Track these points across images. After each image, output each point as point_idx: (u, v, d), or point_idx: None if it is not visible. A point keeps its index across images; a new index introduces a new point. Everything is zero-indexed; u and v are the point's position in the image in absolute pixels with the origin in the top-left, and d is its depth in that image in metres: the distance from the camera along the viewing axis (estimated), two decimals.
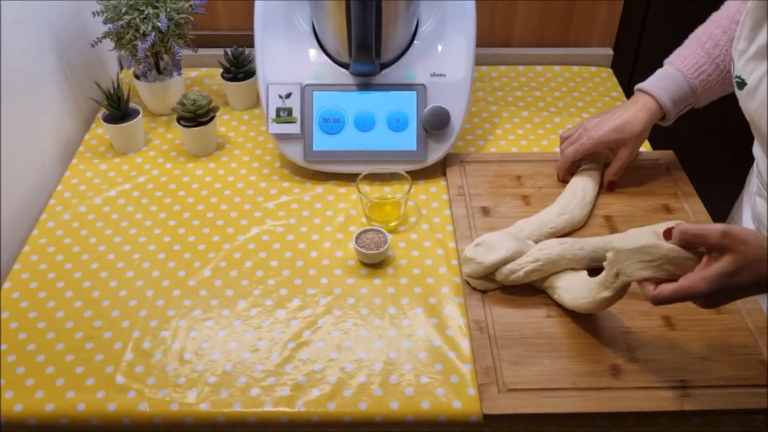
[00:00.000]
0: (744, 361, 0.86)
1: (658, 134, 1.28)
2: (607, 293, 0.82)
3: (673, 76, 1.03)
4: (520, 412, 0.82)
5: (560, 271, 0.94)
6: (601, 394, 0.83)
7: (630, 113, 1.04)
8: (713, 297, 0.71)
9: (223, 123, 1.29)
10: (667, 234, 0.74)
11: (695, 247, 0.72)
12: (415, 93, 1.13)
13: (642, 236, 0.76)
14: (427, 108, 1.12)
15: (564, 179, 1.12)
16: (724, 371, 0.85)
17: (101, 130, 1.26)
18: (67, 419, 0.83)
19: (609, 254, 0.79)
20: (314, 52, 1.15)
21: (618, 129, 1.04)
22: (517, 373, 0.85)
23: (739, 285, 0.69)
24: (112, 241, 1.05)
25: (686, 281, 0.71)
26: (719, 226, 0.69)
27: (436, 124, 1.12)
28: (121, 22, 1.16)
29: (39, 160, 1.15)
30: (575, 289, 0.90)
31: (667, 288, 0.72)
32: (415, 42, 1.15)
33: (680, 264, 0.73)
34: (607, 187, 1.10)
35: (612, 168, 1.08)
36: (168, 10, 1.18)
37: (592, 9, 1.41)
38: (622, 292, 0.81)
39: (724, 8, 1.03)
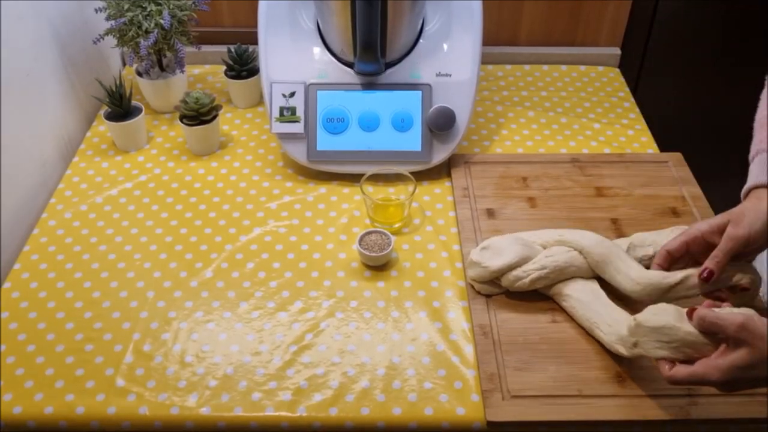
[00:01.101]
0: None
1: (665, 136, 1.27)
2: (623, 350, 0.82)
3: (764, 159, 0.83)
4: (524, 420, 0.81)
5: (568, 278, 0.93)
6: (607, 401, 0.82)
7: (740, 205, 0.83)
8: (726, 386, 0.71)
9: (226, 121, 1.28)
10: (690, 313, 0.75)
11: (713, 333, 0.72)
12: (420, 93, 1.12)
13: (666, 312, 0.76)
14: (432, 108, 1.10)
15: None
16: None
17: (103, 127, 1.24)
18: (66, 422, 0.82)
19: (631, 323, 0.79)
20: (318, 51, 1.14)
21: (727, 213, 0.82)
22: (522, 379, 0.84)
23: (754, 378, 0.69)
24: (113, 241, 1.04)
25: (701, 367, 0.72)
26: (738, 318, 0.69)
27: (441, 124, 1.10)
28: (123, 19, 1.14)
29: (40, 158, 1.14)
30: (593, 310, 0.88)
31: (681, 371, 0.74)
32: (421, 41, 1.14)
33: (697, 348, 0.74)
34: (702, 276, 0.81)
35: (716, 250, 0.81)
36: (171, 7, 1.16)
37: (600, 8, 1.39)
38: (638, 357, 0.81)
39: None
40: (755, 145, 0.86)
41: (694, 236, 0.84)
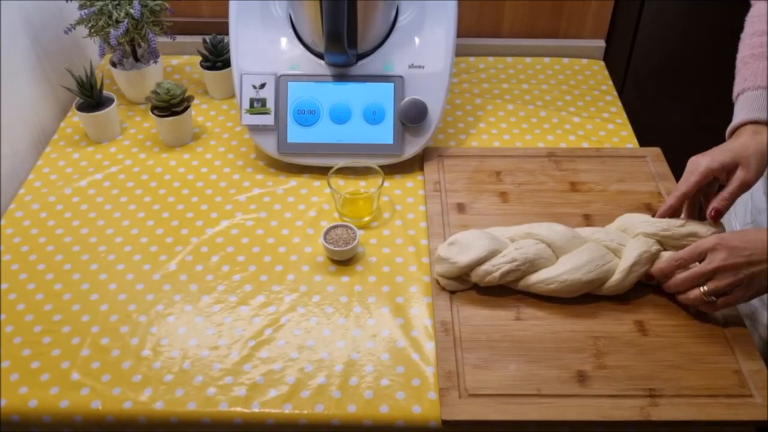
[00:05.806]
0: (716, 371, 0.83)
1: (644, 131, 1.25)
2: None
3: (756, 95, 0.87)
4: (480, 419, 0.79)
5: (536, 270, 0.91)
6: (566, 401, 0.81)
7: (738, 142, 0.87)
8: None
9: (200, 112, 1.26)
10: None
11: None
12: (392, 85, 1.10)
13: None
14: (404, 100, 1.08)
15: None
16: (695, 380, 0.82)
17: (77, 118, 1.23)
18: (18, 416, 0.81)
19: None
20: (290, 42, 1.12)
21: (729, 149, 0.87)
22: (480, 377, 0.83)
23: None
24: (78, 233, 1.03)
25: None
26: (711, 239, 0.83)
27: (412, 117, 1.08)
28: (93, 9, 1.13)
29: (10, 149, 1.13)
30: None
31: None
32: (394, 32, 1.12)
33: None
34: (711, 216, 0.89)
35: (724, 192, 0.87)
36: None
37: None
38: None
39: (751, 19, 0.94)
40: (739, 84, 0.90)
41: (706, 175, 0.88)
